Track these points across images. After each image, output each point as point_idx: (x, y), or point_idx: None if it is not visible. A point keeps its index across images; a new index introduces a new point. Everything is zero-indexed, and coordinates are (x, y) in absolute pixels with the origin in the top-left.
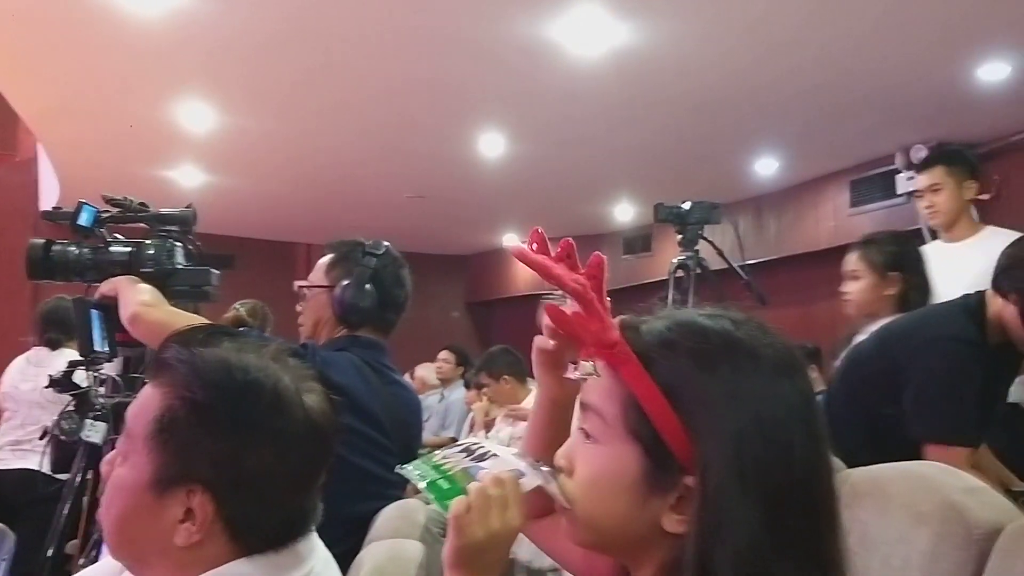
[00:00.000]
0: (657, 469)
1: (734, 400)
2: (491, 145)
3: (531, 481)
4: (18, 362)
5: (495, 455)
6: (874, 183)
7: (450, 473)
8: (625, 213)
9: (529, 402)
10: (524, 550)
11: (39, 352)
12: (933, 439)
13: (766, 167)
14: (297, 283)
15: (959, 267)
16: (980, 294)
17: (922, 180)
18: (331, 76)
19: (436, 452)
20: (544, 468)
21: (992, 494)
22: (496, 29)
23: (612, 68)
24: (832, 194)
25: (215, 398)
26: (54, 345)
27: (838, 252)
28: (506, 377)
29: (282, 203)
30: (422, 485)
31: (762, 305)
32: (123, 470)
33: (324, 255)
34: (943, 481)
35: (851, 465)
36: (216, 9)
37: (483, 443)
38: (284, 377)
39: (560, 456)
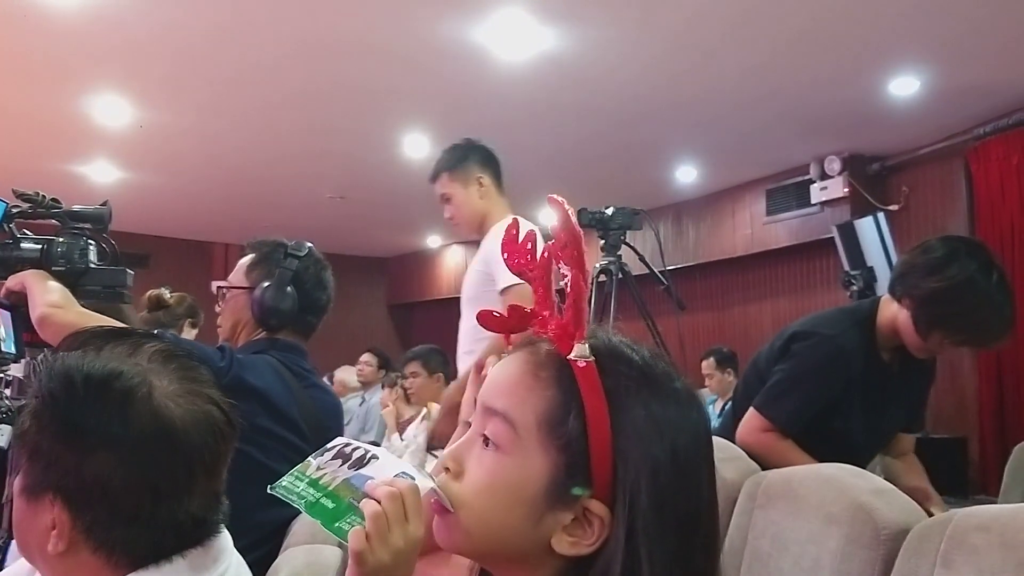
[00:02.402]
0: (564, 486)
1: (655, 428)
2: (416, 147)
3: (424, 484)
4: None
5: (374, 456)
6: (789, 192)
7: (331, 489)
8: (548, 217)
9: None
10: None
11: None
12: (756, 404)
13: (686, 175)
14: (216, 283)
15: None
16: (874, 299)
17: (437, 188)
18: (253, 75)
19: (310, 461)
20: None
21: (899, 495)
22: (421, 33)
23: (538, 73)
24: (749, 202)
25: (51, 403)
26: None
27: (753, 259)
28: (438, 375)
29: (200, 201)
30: (303, 507)
31: (681, 310)
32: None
33: (244, 255)
34: (852, 483)
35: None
36: (135, 3)
37: (356, 443)
38: (148, 383)
39: (448, 458)
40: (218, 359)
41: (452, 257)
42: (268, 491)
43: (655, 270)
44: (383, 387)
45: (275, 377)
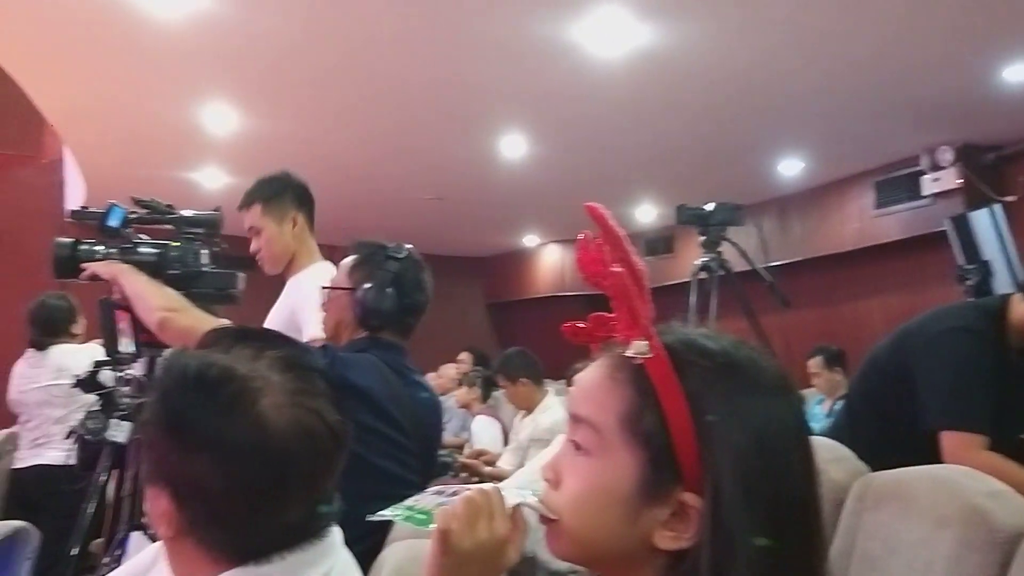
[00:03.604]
0: (655, 482)
1: (737, 417)
2: (512, 146)
3: (512, 497)
4: (18, 367)
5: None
6: (899, 184)
7: (427, 508)
8: (647, 214)
9: (547, 404)
10: (544, 550)
11: (31, 354)
12: (945, 426)
13: (790, 168)
14: (320, 285)
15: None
16: (1004, 297)
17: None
18: (350, 77)
19: (407, 500)
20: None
21: (1015, 497)
22: (518, 29)
23: (634, 68)
24: (857, 195)
25: (163, 398)
26: (39, 346)
27: (862, 253)
28: (523, 380)
29: None
30: (399, 520)
31: (785, 307)
32: None
33: (346, 256)
34: (966, 485)
35: (872, 464)
36: (236, 11)
37: (454, 487)
38: (259, 389)
39: (546, 468)
40: (320, 358)
41: (549, 256)
42: (367, 519)
43: (758, 266)
44: (460, 384)
45: (377, 375)
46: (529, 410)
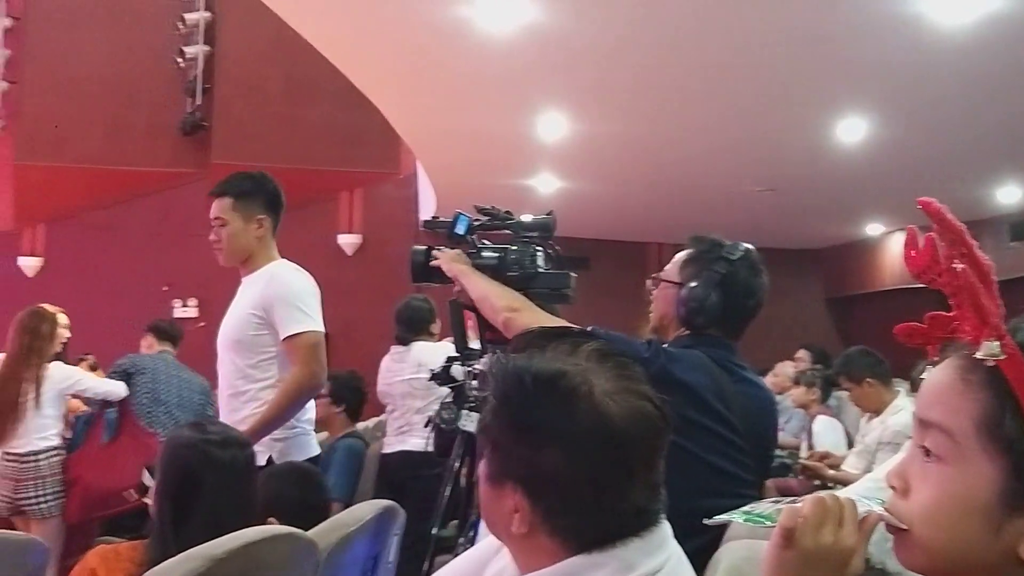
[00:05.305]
0: (1018, 491)
1: None
2: (850, 130)
3: (866, 505)
4: (385, 361)
5: None
6: None
7: (766, 513)
8: (1010, 195)
9: (897, 406)
10: (894, 561)
11: (396, 349)
12: None
13: None
14: (652, 275)
15: None
16: None
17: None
18: (674, 72)
19: (743, 507)
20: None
21: None
22: (854, 3)
23: (986, 36)
24: None
25: (506, 403)
26: (403, 342)
27: None
28: (869, 380)
29: (631, 203)
30: (739, 520)
31: None
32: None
33: (682, 251)
34: None
35: None
36: (562, 20)
37: (795, 498)
38: (589, 382)
39: (893, 475)
40: (643, 350)
41: (895, 245)
42: (703, 522)
43: None
44: (798, 383)
45: (703, 371)
46: (877, 412)
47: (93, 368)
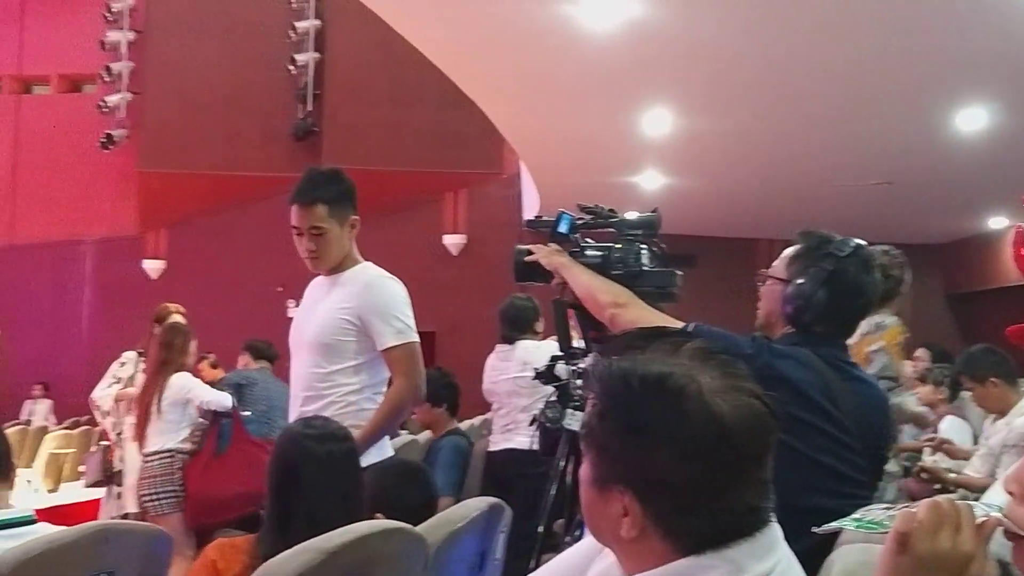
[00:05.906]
0: None
1: None
2: (970, 120)
3: (982, 510)
4: (490, 360)
5: None
6: None
7: (877, 519)
8: None
9: (1023, 407)
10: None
11: (501, 348)
12: None
13: None
14: (759, 271)
15: None
16: None
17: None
18: (785, 68)
19: (853, 514)
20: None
21: None
22: None
23: None
24: None
25: (611, 406)
26: (508, 341)
27: None
28: (992, 380)
29: (739, 199)
30: (850, 527)
31: None
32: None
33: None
34: None
35: None
36: (665, 14)
37: (911, 506)
38: (696, 381)
39: (1010, 480)
40: (746, 346)
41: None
42: (812, 531)
43: None
44: (924, 382)
45: (810, 369)
46: (1002, 413)
47: (214, 366)
